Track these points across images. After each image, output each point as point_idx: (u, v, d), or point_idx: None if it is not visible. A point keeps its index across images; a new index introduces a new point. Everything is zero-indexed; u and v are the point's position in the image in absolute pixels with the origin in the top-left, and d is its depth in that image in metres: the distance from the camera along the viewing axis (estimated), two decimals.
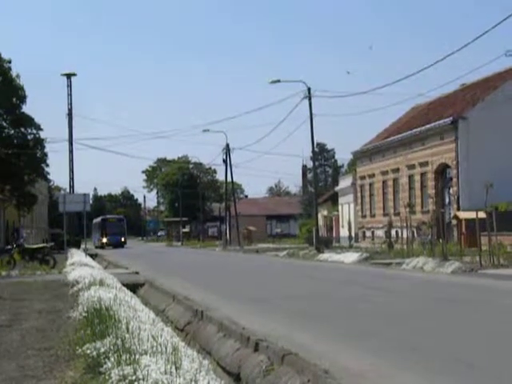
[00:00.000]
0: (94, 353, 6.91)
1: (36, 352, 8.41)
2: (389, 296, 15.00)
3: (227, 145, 65.23)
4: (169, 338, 7.85)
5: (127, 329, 7.92)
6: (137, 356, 6.30)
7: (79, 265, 23.77)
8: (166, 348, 7.05)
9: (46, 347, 8.70)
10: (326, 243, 44.24)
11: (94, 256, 39.37)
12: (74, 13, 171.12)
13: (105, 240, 75.53)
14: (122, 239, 76.26)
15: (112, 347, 6.78)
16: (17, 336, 9.67)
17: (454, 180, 40.37)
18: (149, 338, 7.61)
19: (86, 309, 10.09)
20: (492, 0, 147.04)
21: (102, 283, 14.42)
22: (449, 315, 11.59)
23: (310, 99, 40.40)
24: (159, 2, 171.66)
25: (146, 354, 6.61)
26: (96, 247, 72.09)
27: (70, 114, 56.16)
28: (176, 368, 5.97)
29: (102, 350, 6.87)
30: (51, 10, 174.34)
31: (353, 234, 52.97)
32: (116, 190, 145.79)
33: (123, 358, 6.24)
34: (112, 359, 6.34)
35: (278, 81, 41.23)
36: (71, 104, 56.85)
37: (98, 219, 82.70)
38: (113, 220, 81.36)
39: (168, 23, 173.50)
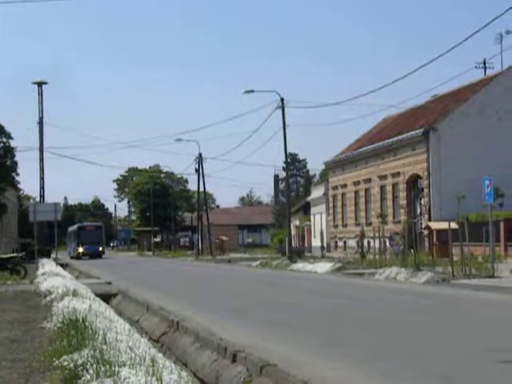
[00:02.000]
0: (72, 364, 6.80)
1: (10, 363, 8.27)
2: (363, 306, 15.03)
3: (200, 154, 65.15)
4: (146, 349, 7.77)
5: (104, 340, 7.82)
6: (116, 368, 6.22)
7: (51, 275, 23.50)
8: (144, 360, 6.98)
9: (20, 358, 8.57)
10: (298, 253, 44.27)
11: (64, 266, 38.96)
12: (46, 21, 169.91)
13: (81, 250, 69.00)
14: (100, 249, 70.21)
15: (90, 359, 6.68)
16: None
17: (426, 191, 40.71)
18: (126, 349, 7.53)
19: (60, 319, 9.96)
20: (465, 12, 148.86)
21: (75, 293, 14.28)
22: (424, 325, 11.63)
23: (283, 109, 40.50)
24: (128, 12, 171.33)
25: (124, 365, 6.53)
26: (71, 257, 68.25)
27: (40, 123, 55.65)
28: (157, 380, 5.91)
29: (80, 361, 6.77)
30: (24, 15, 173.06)
31: (325, 244, 53.11)
32: (87, 199, 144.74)
33: (102, 369, 6.15)
34: (91, 371, 6.24)
35: (252, 91, 41.30)
36: (42, 112, 56.34)
37: (74, 227, 77.17)
38: (90, 228, 74.84)
39: (140, 32, 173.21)
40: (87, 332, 8.22)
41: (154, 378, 6.08)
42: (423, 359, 8.36)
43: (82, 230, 72.15)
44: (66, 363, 6.89)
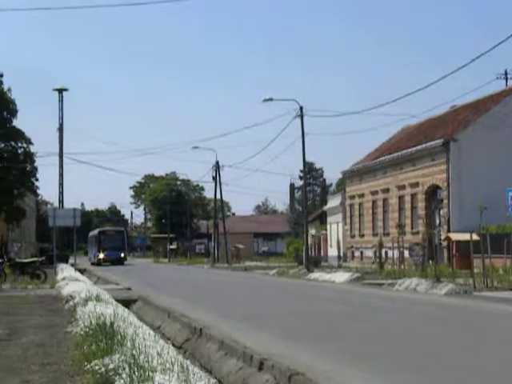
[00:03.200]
0: (103, 369, 6.82)
1: (39, 367, 8.30)
2: (386, 317, 14.95)
3: (217, 162, 65.26)
4: (174, 356, 7.77)
5: (133, 345, 7.84)
6: (149, 373, 6.23)
7: (71, 280, 23.62)
8: (173, 365, 6.98)
9: (48, 362, 8.59)
10: (315, 262, 44.16)
11: (82, 271, 39.12)
12: (67, 28, 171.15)
13: (102, 255, 65.69)
14: (122, 255, 66.46)
15: (122, 364, 6.70)
16: (17, 351, 9.54)
17: (445, 201, 40.49)
18: (155, 355, 7.54)
19: (87, 324, 9.99)
20: (486, 25, 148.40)
21: (98, 299, 14.32)
22: (449, 337, 11.56)
23: (302, 118, 40.45)
24: (150, 18, 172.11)
25: (156, 371, 6.54)
26: (92, 264, 65.63)
27: (60, 129, 56.00)
28: None
29: (111, 366, 6.79)
30: (43, 22, 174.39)
31: (341, 254, 52.93)
32: (103, 206, 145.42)
33: (136, 374, 6.16)
34: (124, 376, 6.25)
35: (271, 99, 41.25)
36: (62, 118, 56.74)
37: (95, 232, 73.68)
38: (111, 233, 71.08)
39: (162, 40, 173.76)
40: (116, 337, 8.23)
41: None
42: (457, 371, 8.30)
43: (103, 235, 68.95)
44: (97, 367, 6.91)
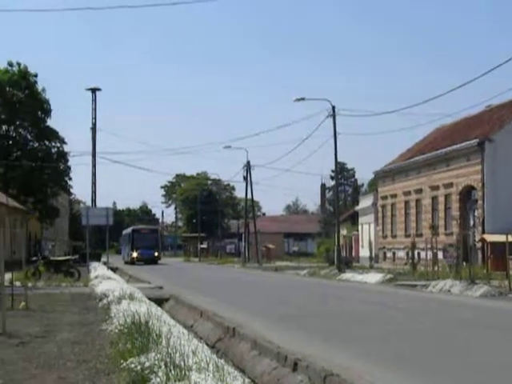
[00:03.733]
0: (139, 367, 6.83)
1: (75, 364, 8.34)
2: (421, 319, 14.82)
3: (248, 162, 65.29)
4: (208, 355, 7.76)
5: (168, 344, 7.84)
6: (185, 372, 6.22)
7: (104, 278, 23.78)
8: (208, 364, 6.97)
9: (84, 360, 8.64)
10: (346, 263, 43.94)
11: (114, 269, 39.38)
12: (101, 26, 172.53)
13: (135, 254, 64.09)
14: (156, 254, 65.19)
15: (158, 362, 6.70)
16: (53, 348, 9.61)
17: (479, 202, 40.04)
18: (190, 354, 7.53)
19: (121, 322, 10.03)
20: None
21: (131, 297, 14.38)
22: (484, 340, 11.41)
23: (334, 117, 40.27)
24: (185, 17, 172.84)
25: (191, 370, 6.53)
26: (126, 263, 64.26)
27: (93, 129, 56.48)
28: None
29: (147, 364, 6.79)
30: (77, 22, 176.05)
31: (373, 255, 52.63)
32: (134, 205, 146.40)
33: (172, 373, 6.16)
34: (160, 374, 6.25)
35: (303, 99, 41.12)
36: (95, 118, 57.20)
37: (128, 230, 72.11)
38: (145, 231, 69.32)
39: (194, 38, 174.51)
40: (151, 335, 8.25)
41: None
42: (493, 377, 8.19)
43: (137, 234, 66.96)
44: (132, 365, 6.92)
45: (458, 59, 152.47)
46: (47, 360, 8.63)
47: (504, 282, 22.39)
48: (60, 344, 9.95)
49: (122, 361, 7.36)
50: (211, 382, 5.97)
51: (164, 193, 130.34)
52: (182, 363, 6.62)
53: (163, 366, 6.49)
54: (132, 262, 62.21)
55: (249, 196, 67.89)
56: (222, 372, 6.71)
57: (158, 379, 6.18)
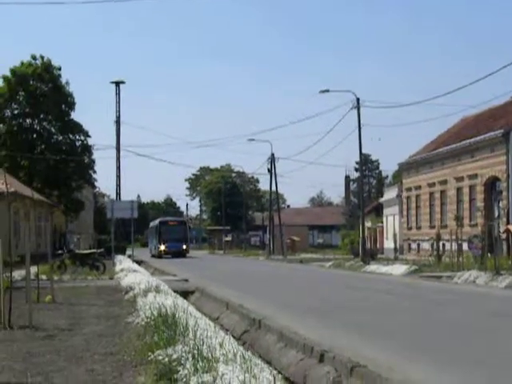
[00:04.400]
0: (166, 359, 6.86)
1: (102, 357, 8.40)
2: (447, 310, 14.74)
3: (272, 155, 65.26)
4: (235, 346, 7.79)
5: (195, 336, 7.88)
6: (213, 363, 6.25)
7: (129, 271, 23.91)
8: (235, 356, 6.99)
9: (111, 352, 8.69)
10: (371, 255, 43.80)
11: (139, 262, 39.59)
12: (123, 18, 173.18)
13: (163, 247, 62.03)
14: (184, 247, 62.70)
15: (185, 354, 6.73)
16: (80, 341, 9.69)
17: (504, 193, 39.68)
18: (216, 345, 7.56)
19: (148, 314, 10.09)
20: None
21: (157, 290, 14.45)
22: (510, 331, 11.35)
23: (358, 109, 40.14)
24: (212, 9, 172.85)
25: (218, 361, 6.56)
26: (152, 256, 63.33)
27: (118, 122, 56.72)
28: (253, 378, 5.91)
29: (174, 356, 6.82)
30: (100, 15, 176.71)
31: (397, 246, 52.41)
32: (159, 198, 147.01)
33: (200, 365, 6.18)
34: (187, 366, 6.28)
35: (327, 90, 41.01)
36: (119, 111, 57.45)
37: (156, 222, 69.55)
38: (173, 223, 66.69)
39: (220, 31, 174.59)
40: (178, 328, 8.29)
41: (250, 375, 6.09)
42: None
43: (164, 226, 64.57)
44: (160, 358, 6.96)
45: (483, 49, 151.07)
46: (75, 352, 8.70)
47: None
48: (87, 337, 10.03)
49: (149, 353, 7.40)
50: (239, 373, 5.98)
51: (188, 185, 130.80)
52: (210, 355, 6.64)
53: (191, 358, 6.52)
54: (159, 256, 60.51)
55: (273, 188, 67.94)
56: (249, 363, 6.73)
57: (186, 371, 6.21)
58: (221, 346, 7.60)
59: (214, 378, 5.72)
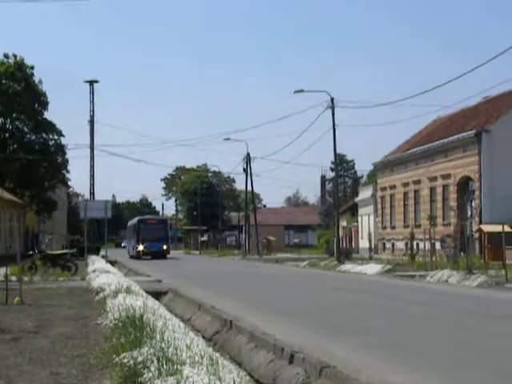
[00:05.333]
0: (131, 362, 6.74)
1: (68, 360, 8.27)
2: (419, 309, 14.76)
3: (248, 154, 65.22)
4: (203, 348, 7.69)
5: (162, 338, 7.77)
6: (178, 366, 6.14)
7: (101, 271, 23.67)
8: (203, 358, 6.89)
9: (77, 355, 8.56)
10: (346, 254, 43.94)
11: (113, 263, 39.29)
12: (95, 17, 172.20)
13: (141, 248, 57.84)
14: (164, 247, 58.69)
15: (150, 356, 6.62)
16: (46, 343, 9.53)
17: (477, 193, 40.03)
18: (184, 347, 7.46)
19: (116, 316, 9.95)
20: None
21: (128, 291, 14.29)
22: (481, 329, 11.35)
23: (333, 109, 40.22)
24: (183, 8, 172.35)
25: (185, 364, 6.46)
26: (131, 257, 59.41)
27: (91, 121, 56.34)
28: (218, 379, 5.82)
29: (140, 359, 6.70)
30: (71, 15, 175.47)
31: (372, 246, 52.63)
32: (134, 198, 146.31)
33: (164, 367, 6.08)
34: (152, 369, 6.17)
35: (302, 90, 41.06)
36: (93, 111, 57.07)
37: (134, 220, 64.92)
38: (152, 222, 62.67)
39: (192, 31, 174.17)
40: (145, 329, 8.17)
41: (216, 378, 6.00)
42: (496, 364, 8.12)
43: (143, 225, 60.24)
44: (125, 360, 6.84)
45: (459, 50, 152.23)
46: (40, 355, 8.55)
47: (501, 272, 22.39)
48: (54, 339, 9.87)
49: (114, 356, 7.28)
50: (204, 376, 5.88)
51: (164, 185, 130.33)
52: (175, 357, 6.54)
53: (155, 361, 6.41)
54: (138, 257, 57.05)
55: (249, 188, 67.90)
56: (217, 365, 6.63)
57: (150, 374, 6.10)
58: (188, 347, 7.49)
59: (178, 381, 5.62)
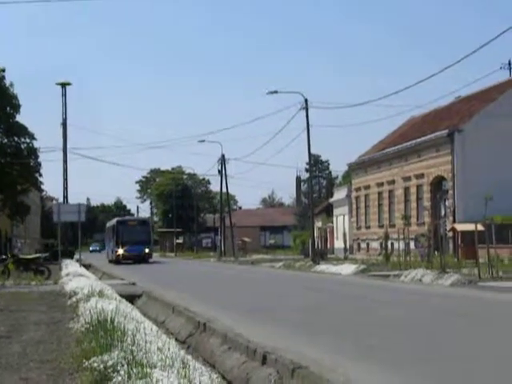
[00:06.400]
0: (102, 366, 6.69)
1: (38, 364, 8.18)
2: (392, 309, 14.83)
3: (223, 156, 65.14)
4: (176, 351, 7.65)
5: (133, 341, 7.72)
6: (147, 370, 6.11)
7: (75, 275, 23.52)
8: (174, 361, 6.86)
9: (48, 359, 8.47)
10: (321, 255, 44.05)
11: (87, 266, 39.02)
12: (71, 21, 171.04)
13: (121, 251, 53.15)
14: (146, 250, 53.80)
15: (120, 360, 6.57)
16: (17, 348, 9.42)
17: (450, 192, 40.34)
18: (156, 350, 7.42)
19: (88, 320, 9.88)
20: (491, 13, 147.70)
21: (100, 294, 14.21)
22: (453, 328, 11.42)
23: (306, 110, 40.32)
24: (154, 14, 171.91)
25: (155, 367, 6.42)
26: (110, 261, 55.79)
27: (64, 124, 55.92)
28: (189, 382, 5.79)
29: (110, 363, 6.66)
30: (47, 18, 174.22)
31: (347, 246, 52.83)
32: (109, 201, 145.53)
33: (134, 371, 6.04)
34: (122, 373, 6.13)
35: (276, 92, 41.18)
36: (66, 113, 56.63)
37: (113, 222, 60.15)
38: (133, 223, 57.31)
39: (164, 34, 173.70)
40: (116, 333, 8.12)
41: (186, 381, 5.97)
42: (463, 363, 8.17)
43: (123, 226, 55.35)
44: (95, 364, 6.78)
45: (432, 49, 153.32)
46: (10, 361, 8.44)
47: (474, 271, 22.55)
48: (24, 344, 9.77)
49: (85, 360, 7.22)
50: (174, 379, 5.86)
51: (139, 188, 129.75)
52: (145, 361, 6.50)
53: (125, 365, 6.37)
54: (117, 261, 52.55)
55: (224, 190, 67.81)
56: (188, 368, 6.61)
57: (120, 378, 6.06)
58: (160, 350, 7.45)
59: None
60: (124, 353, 6.92)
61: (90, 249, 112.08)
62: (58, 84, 57.20)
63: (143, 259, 52.30)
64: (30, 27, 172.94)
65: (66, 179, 56.74)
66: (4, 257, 28.09)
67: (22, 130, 53.01)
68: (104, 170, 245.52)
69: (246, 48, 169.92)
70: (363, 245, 52.80)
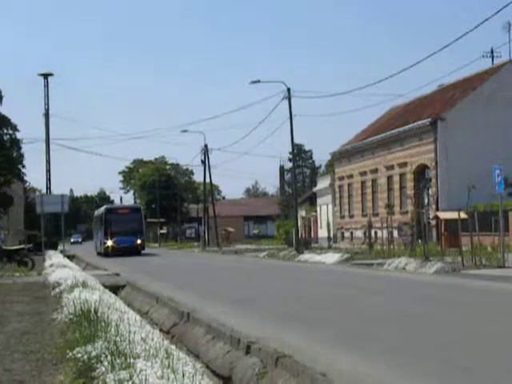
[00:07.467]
0: (85, 356, 6.69)
1: (22, 355, 8.17)
2: (375, 297, 14.90)
3: (205, 145, 65.00)
4: (160, 341, 7.66)
5: (117, 331, 7.72)
6: (131, 360, 6.12)
7: (58, 266, 23.46)
8: (158, 351, 6.87)
9: (32, 350, 8.47)
10: (305, 244, 44.13)
11: (71, 257, 38.91)
12: (52, 13, 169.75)
13: (110, 243, 48.56)
14: (138, 241, 49.63)
15: (104, 351, 6.57)
16: (1, 339, 9.41)
17: (433, 181, 40.52)
18: (140, 341, 7.43)
19: (71, 311, 9.86)
20: (473, 2, 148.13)
21: (84, 285, 14.18)
22: (437, 316, 11.51)
23: (289, 100, 40.30)
24: (135, 6, 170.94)
25: (139, 357, 6.43)
26: (98, 254, 51.95)
27: (46, 115, 55.48)
28: (172, 372, 5.80)
29: (94, 353, 6.66)
30: (28, 11, 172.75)
31: (332, 235, 52.98)
32: (92, 191, 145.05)
33: (117, 361, 6.05)
34: (105, 363, 6.13)
35: (258, 81, 41.14)
36: (48, 104, 56.17)
37: (101, 210, 55.19)
38: (123, 211, 52.68)
39: (146, 25, 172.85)
40: (100, 323, 8.12)
41: (170, 370, 5.98)
42: (447, 352, 8.24)
43: (112, 215, 50.74)
44: (79, 355, 6.78)
45: (414, 38, 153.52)
46: None
47: (457, 258, 22.67)
48: (8, 335, 9.76)
49: (68, 351, 7.22)
50: (158, 369, 5.86)
51: (122, 178, 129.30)
52: (129, 351, 6.50)
53: (109, 355, 6.37)
54: (106, 253, 48.49)
55: (207, 180, 67.70)
56: (172, 358, 6.62)
57: (103, 368, 6.06)
58: (144, 340, 7.46)
59: (130, 374, 5.58)
60: (108, 343, 6.93)
61: (71, 240, 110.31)
62: (40, 75, 56.71)
63: (135, 251, 48.66)
64: (11, 19, 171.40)
65: (49, 170, 56.33)
66: None
67: (5, 121, 52.63)
68: (87, 160, 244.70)
69: (229, 37, 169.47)
70: (347, 234, 52.96)
